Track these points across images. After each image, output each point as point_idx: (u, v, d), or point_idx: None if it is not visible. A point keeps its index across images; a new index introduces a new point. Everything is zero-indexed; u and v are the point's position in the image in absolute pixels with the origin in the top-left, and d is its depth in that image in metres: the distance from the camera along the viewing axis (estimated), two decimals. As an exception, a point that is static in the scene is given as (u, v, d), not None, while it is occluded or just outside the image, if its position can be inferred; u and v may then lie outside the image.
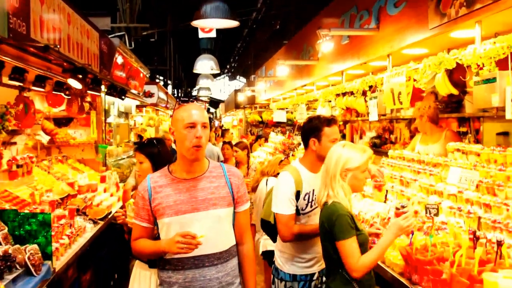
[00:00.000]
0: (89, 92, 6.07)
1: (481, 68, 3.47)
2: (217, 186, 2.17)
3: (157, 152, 3.06)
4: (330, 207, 2.29)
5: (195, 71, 16.29)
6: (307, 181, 2.76)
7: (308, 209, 2.78)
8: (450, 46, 4.65)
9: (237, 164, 6.37)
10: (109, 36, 7.79)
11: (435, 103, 4.73)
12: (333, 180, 2.33)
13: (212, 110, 56.03)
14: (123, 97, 7.42)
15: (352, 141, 8.52)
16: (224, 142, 6.74)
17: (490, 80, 3.39)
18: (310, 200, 2.77)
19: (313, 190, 2.76)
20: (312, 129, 2.79)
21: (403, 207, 2.68)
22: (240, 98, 18.91)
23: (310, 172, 2.79)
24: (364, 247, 2.26)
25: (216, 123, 46.52)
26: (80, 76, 4.84)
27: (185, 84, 40.39)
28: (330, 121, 2.77)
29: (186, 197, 2.11)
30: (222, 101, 39.45)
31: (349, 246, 2.17)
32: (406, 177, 3.98)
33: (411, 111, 5.42)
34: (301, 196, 2.73)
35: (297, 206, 2.73)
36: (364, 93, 6.32)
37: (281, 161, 4.60)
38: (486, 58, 3.39)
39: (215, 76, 38.16)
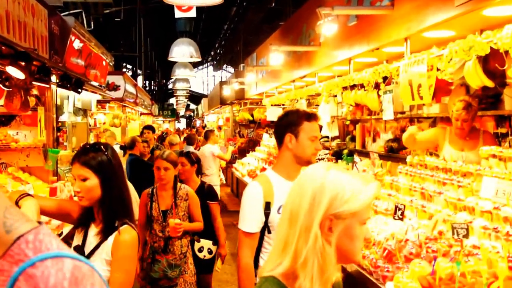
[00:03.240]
0: (35, 83, 5.99)
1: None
2: None
3: (107, 163, 2.55)
4: None
5: (170, 59, 16.26)
6: (281, 190, 2.81)
7: None
8: (482, 27, 4.64)
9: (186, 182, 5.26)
10: (62, 14, 7.68)
11: (475, 101, 4.70)
12: (302, 235, 1.52)
13: (192, 106, 56.16)
14: (79, 90, 7.33)
15: (363, 145, 8.53)
16: (181, 154, 5.61)
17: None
18: None
19: None
20: (289, 123, 2.91)
21: None
22: (226, 92, 18.87)
23: (285, 180, 2.89)
24: None
25: (198, 122, 46.61)
26: (23, 64, 4.75)
27: (158, 75, 40.43)
28: (310, 116, 2.91)
29: None
30: (205, 96, 39.50)
31: None
32: (429, 189, 4.00)
33: (437, 107, 5.39)
34: (273, 208, 2.81)
35: (267, 223, 2.82)
36: (377, 86, 6.34)
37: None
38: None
39: (195, 65, 38.20)
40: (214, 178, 9.74)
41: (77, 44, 7.99)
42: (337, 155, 8.66)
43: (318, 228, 1.49)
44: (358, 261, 1.60)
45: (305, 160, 2.85)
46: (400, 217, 3.81)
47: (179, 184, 4.53)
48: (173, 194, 4.42)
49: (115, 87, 13.28)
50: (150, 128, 10.78)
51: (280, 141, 2.94)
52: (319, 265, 1.49)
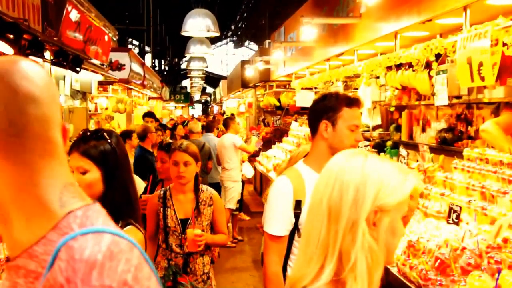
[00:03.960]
0: (26, 60, 6.00)
1: None
2: None
3: (111, 153, 2.54)
4: None
5: (184, 34, 16.28)
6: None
7: None
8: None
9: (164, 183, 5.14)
10: (58, -21, 7.73)
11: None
12: (348, 233, 1.56)
13: (209, 90, 56.39)
14: (78, 69, 7.40)
15: (410, 136, 8.45)
16: (160, 147, 5.36)
17: None
18: None
19: None
20: (325, 109, 2.92)
21: None
22: (249, 73, 18.84)
23: (317, 174, 2.79)
24: None
25: (216, 108, 46.73)
26: (12, 37, 4.78)
27: (170, 53, 40.65)
28: (352, 101, 2.92)
29: None
30: (224, 78, 39.59)
31: None
32: (491, 188, 3.95)
33: (501, 90, 5.29)
34: (304, 207, 2.80)
35: (297, 224, 2.84)
36: (428, 65, 6.26)
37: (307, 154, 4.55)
38: None
39: (213, 41, 38.31)
40: (235, 172, 9.77)
41: (74, 15, 8.04)
42: (379, 148, 8.58)
43: (365, 224, 1.53)
44: (393, 261, 1.69)
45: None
46: (456, 221, 3.79)
47: (200, 185, 4.14)
48: (194, 198, 4.04)
49: (119, 67, 13.36)
50: (151, 115, 10.69)
51: (314, 129, 2.96)
52: (368, 267, 1.52)
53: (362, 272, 1.51)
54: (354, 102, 2.90)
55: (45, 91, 1.14)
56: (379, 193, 1.55)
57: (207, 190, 4.12)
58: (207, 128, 10.86)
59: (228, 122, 10.18)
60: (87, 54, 8.95)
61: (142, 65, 17.38)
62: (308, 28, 9.15)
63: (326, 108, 2.91)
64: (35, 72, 1.14)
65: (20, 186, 1.10)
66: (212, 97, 48.33)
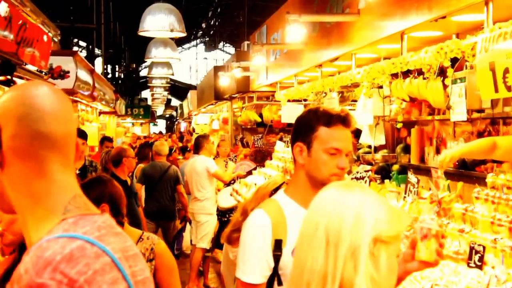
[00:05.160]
0: None
1: None
2: None
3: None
4: None
5: (141, 33, 16.26)
6: (297, 223, 2.75)
7: None
8: None
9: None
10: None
11: None
12: (349, 260, 1.72)
13: (175, 102, 56.42)
14: (9, 77, 7.32)
15: (421, 158, 8.47)
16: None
17: None
18: None
19: None
20: (300, 128, 2.94)
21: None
22: (224, 82, 18.88)
23: (300, 207, 2.86)
24: None
25: (183, 125, 46.61)
26: None
27: (126, 57, 40.61)
28: (332, 117, 2.85)
29: None
30: (193, 87, 39.65)
31: None
32: None
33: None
34: (285, 249, 2.81)
35: (277, 270, 2.81)
36: (442, 72, 6.33)
37: (278, 187, 4.57)
38: None
39: (179, 42, 38.30)
40: (209, 204, 9.73)
41: (3, 9, 7.97)
42: (384, 173, 8.59)
43: (367, 250, 1.70)
44: None
45: (320, 182, 2.75)
46: (478, 263, 3.78)
47: (142, 232, 3.98)
48: None
49: (62, 74, 13.30)
50: (82, 135, 10.19)
51: (292, 153, 2.97)
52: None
53: None
54: (335, 120, 2.83)
55: (62, 109, 1.61)
56: (378, 221, 1.73)
57: (148, 239, 3.82)
58: (197, 146, 10.31)
59: (200, 142, 10.09)
60: (20, 58, 8.86)
61: (91, 72, 17.30)
62: (295, 27, 9.16)
63: (300, 128, 2.92)
64: (49, 92, 1.62)
65: (38, 194, 1.56)
66: (179, 111, 48.42)
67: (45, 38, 10.71)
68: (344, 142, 2.83)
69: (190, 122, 37.06)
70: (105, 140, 11.55)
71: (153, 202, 9.66)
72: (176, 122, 51.84)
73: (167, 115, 61.16)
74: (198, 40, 46.95)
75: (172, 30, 15.43)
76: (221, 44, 43.83)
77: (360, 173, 7.53)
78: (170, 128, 56.62)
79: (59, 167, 1.58)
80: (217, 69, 21.80)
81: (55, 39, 12.01)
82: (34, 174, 1.55)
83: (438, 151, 8.12)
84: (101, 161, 9.21)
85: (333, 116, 2.83)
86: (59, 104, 1.60)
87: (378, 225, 1.73)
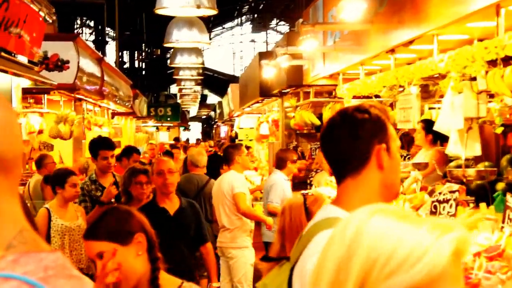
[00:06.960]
0: None
1: None
2: None
3: None
4: None
5: (159, 11, 16.34)
6: None
7: None
8: None
9: None
10: None
11: None
12: None
13: (212, 99, 55.99)
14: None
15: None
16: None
17: None
18: None
19: None
20: (374, 127, 2.98)
21: None
22: (270, 73, 18.55)
23: None
24: None
25: (223, 129, 45.98)
26: None
27: (144, 39, 40.53)
28: (386, 111, 3.08)
29: None
30: (234, 80, 39.52)
31: None
32: None
33: None
34: None
35: None
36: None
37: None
38: None
39: (217, 20, 37.86)
40: (242, 234, 9.73)
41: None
42: (481, 194, 8.47)
43: None
44: None
45: (395, 193, 2.99)
46: None
47: (182, 282, 4.03)
48: None
49: (60, 64, 13.49)
50: (107, 145, 9.77)
51: (361, 159, 2.97)
52: None
53: None
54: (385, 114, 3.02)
55: (10, 124, 1.66)
56: (371, 271, 1.56)
57: None
58: (226, 160, 10.29)
59: (230, 154, 10.06)
60: (4, 45, 9.08)
61: (99, 61, 17.40)
62: (354, 1, 9.21)
63: (374, 126, 2.97)
64: None
65: None
66: (218, 110, 47.64)
67: (40, 18, 10.88)
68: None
69: (232, 126, 37.09)
70: (133, 151, 11.30)
71: None
72: (215, 126, 51.43)
73: (203, 116, 60.65)
74: (244, 18, 46.63)
75: (198, 6, 15.32)
76: (273, 22, 43.56)
77: (444, 194, 7.47)
78: (207, 134, 56.05)
79: (5, 196, 1.61)
80: (262, 55, 21.34)
81: (50, 20, 11.92)
82: None
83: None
84: (123, 182, 8.39)
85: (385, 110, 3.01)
86: (6, 117, 1.62)
87: (372, 277, 1.56)
